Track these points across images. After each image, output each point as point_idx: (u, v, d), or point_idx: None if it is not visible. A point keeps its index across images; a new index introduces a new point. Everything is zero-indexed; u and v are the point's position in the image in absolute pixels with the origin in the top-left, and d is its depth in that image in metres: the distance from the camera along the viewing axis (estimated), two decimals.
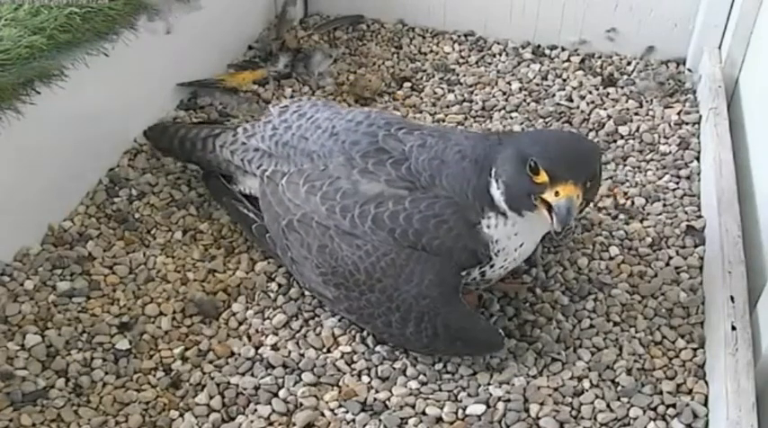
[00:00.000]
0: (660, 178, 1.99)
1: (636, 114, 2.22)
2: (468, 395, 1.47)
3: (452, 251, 1.47)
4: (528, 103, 2.29)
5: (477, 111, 2.26)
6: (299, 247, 1.59)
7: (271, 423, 1.43)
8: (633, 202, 1.91)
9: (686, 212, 1.88)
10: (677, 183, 1.97)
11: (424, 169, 1.52)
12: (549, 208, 1.35)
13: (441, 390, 1.48)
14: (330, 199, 1.56)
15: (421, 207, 1.49)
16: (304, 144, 1.68)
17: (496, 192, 1.43)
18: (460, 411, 1.44)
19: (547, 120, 2.21)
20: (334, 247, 1.54)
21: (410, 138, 1.59)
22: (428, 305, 1.46)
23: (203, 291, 1.68)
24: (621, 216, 1.88)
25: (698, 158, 2.04)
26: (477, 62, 2.49)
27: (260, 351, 1.56)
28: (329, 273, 1.54)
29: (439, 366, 1.54)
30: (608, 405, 1.45)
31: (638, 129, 2.15)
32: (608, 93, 2.31)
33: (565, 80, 2.38)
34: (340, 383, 1.50)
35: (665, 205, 1.91)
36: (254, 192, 1.77)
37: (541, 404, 1.45)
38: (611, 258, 1.77)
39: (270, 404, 1.45)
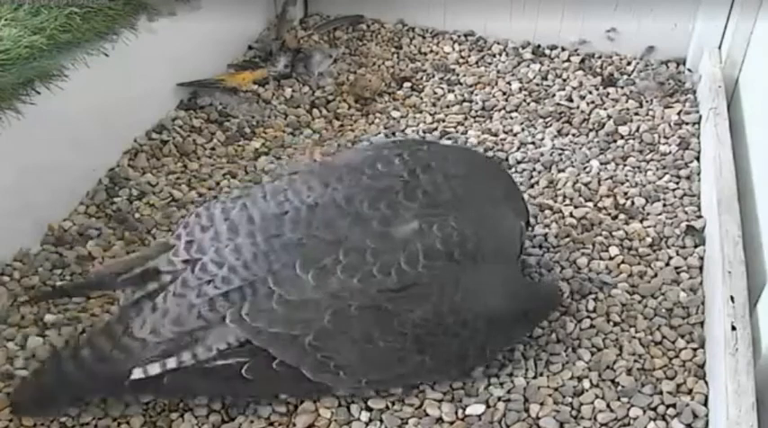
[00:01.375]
0: (660, 178, 1.99)
1: (636, 114, 2.22)
2: (468, 395, 1.47)
3: (511, 250, 1.49)
4: (528, 103, 2.29)
5: (477, 111, 2.26)
6: (349, 348, 1.35)
7: (271, 424, 1.43)
8: (633, 202, 1.91)
9: (686, 212, 1.88)
10: (677, 183, 1.97)
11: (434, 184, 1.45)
12: None
13: (440, 390, 1.48)
14: (358, 268, 1.33)
15: (477, 216, 1.44)
16: (278, 241, 1.38)
17: None
18: (460, 411, 1.44)
19: (547, 120, 2.21)
20: (403, 318, 1.34)
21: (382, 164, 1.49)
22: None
23: None
24: (621, 216, 1.88)
25: (698, 158, 2.04)
26: (477, 62, 2.49)
27: None
28: (403, 346, 1.35)
29: None
30: (608, 405, 1.45)
31: (638, 129, 2.15)
32: (608, 93, 2.31)
33: (565, 80, 2.38)
34: None
35: (665, 205, 1.91)
36: (219, 347, 1.37)
37: (541, 404, 1.44)
38: (611, 258, 1.77)
39: (270, 404, 1.45)
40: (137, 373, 1.35)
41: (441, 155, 1.55)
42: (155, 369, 1.35)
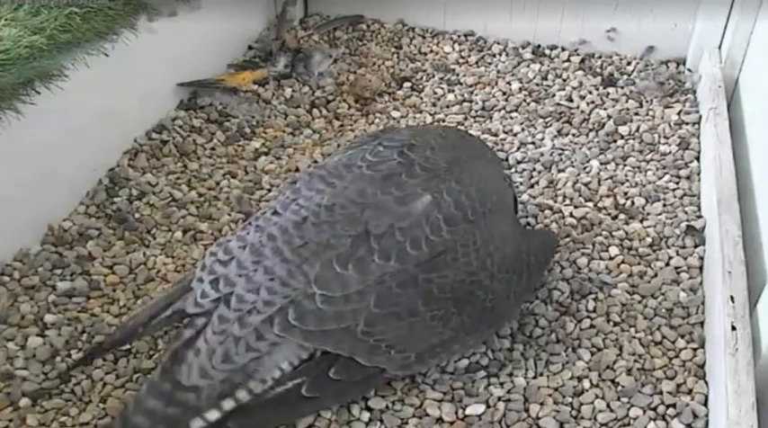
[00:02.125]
0: (660, 178, 1.99)
1: (636, 114, 2.22)
2: (468, 395, 1.47)
3: (506, 200, 1.59)
4: (528, 103, 2.29)
5: (477, 111, 2.27)
6: (397, 325, 1.36)
7: None
8: (633, 202, 1.91)
9: (686, 212, 1.88)
10: (677, 183, 1.97)
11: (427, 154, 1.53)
12: None
13: (440, 390, 1.48)
14: (392, 249, 1.36)
15: (472, 176, 1.50)
16: (306, 249, 1.38)
17: None
18: (460, 411, 1.44)
19: (547, 120, 2.21)
20: (446, 281, 1.38)
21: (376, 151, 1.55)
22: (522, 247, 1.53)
23: None
24: (621, 216, 1.88)
25: (698, 158, 2.04)
26: (477, 62, 2.49)
27: None
28: (447, 311, 1.39)
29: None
30: (608, 405, 1.45)
31: (638, 129, 2.15)
32: (608, 93, 2.31)
33: (565, 80, 2.38)
34: None
35: (665, 205, 1.91)
36: (274, 376, 1.34)
37: (541, 404, 1.45)
38: (611, 258, 1.77)
39: None
40: (196, 424, 1.29)
41: (415, 133, 1.63)
42: (213, 415, 1.30)
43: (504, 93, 2.34)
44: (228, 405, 1.31)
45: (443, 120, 2.22)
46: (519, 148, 2.11)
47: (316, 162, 2.05)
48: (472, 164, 1.56)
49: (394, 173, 1.48)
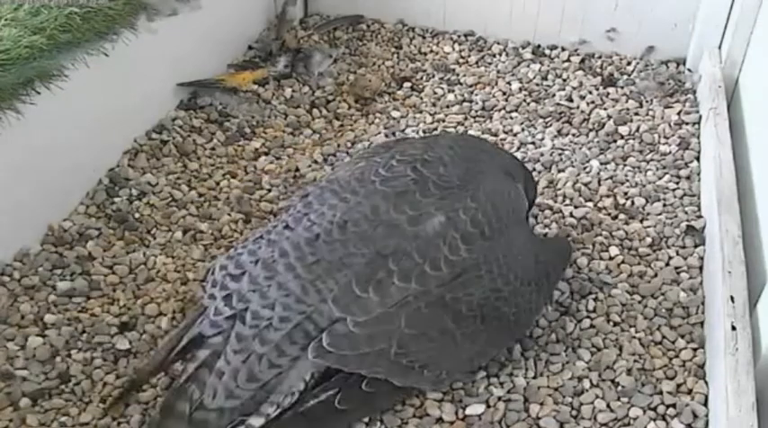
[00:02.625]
0: (660, 178, 1.99)
1: (636, 114, 2.22)
2: (468, 395, 1.47)
3: (521, 209, 1.58)
4: (528, 103, 2.29)
5: (477, 111, 2.27)
6: (429, 346, 1.37)
7: None
8: (633, 202, 1.91)
9: (686, 212, 1.88)
10: (677, 183, 1.97)
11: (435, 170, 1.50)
12: None
13: (441, 390, 1.48)
14: (411, 271, 1.35)
15: (486, 192, 1.49)
16: (318, 267, 1.36)
17: None
18: (461, 411, 1.44)
19: (547, 120, 2.21)
20: (472, 299, 1.39)
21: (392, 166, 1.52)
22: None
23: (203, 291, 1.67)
24: (621, 216, 1.88)
25: (698, 158, 2.04)
26: (477, 62, 2.49)
27: None
28: (476, 327, 1.40)
29: None
30: (608, 405, 1.45)
31: (638, 129, 2.15)
32: (608, 93, 2.31)
33: (565, 80, 2.38)
34: None
35: (665, 205, 1.91)
36: (299, 388, 1.34)
37: (541, 404, 1.45)
38: (611, 258, 1.77)
39: None
40: None
41: (427, 146, 1.60)
42: None
43: (504, 93, 2.34)
44: (258, 421, 1.29)
45: (443, 120, 2.22)
46: (519, 148, 2.11)
47: (316, 162, 2.05)
48: (485, 178, 1.53)
49: (407, 191, 1.45)
